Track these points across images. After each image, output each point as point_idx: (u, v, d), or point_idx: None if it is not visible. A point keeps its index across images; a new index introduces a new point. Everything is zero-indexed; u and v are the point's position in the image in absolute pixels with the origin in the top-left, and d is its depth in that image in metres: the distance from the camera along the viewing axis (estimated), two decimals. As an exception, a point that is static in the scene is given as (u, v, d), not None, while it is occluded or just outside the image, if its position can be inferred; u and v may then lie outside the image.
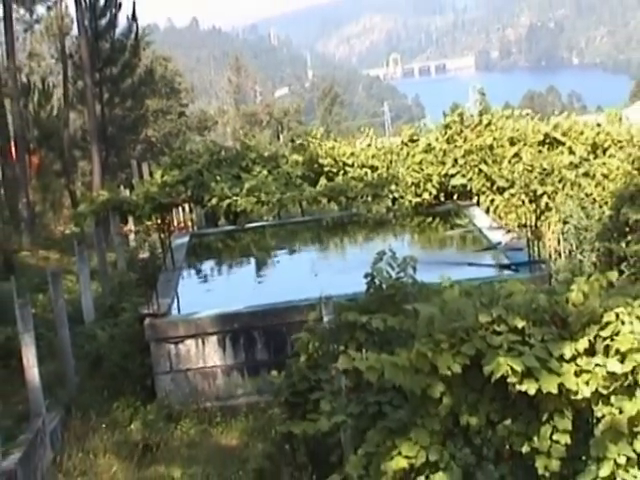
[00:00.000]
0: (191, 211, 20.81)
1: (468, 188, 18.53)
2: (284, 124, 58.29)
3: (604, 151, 18.63)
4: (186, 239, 17.99)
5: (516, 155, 18.69)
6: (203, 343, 12.13)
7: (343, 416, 7.72)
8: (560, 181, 17.27)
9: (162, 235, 17.43)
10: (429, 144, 19.77)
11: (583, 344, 6.96)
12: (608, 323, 6.99)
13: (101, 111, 36.46)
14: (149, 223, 19.45)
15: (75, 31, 37.75)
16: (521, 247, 14.16)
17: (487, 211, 17.71)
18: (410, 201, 18.24)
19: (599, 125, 19.55)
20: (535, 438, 6.84)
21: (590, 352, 6.95)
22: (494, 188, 18.24)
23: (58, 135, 35.97)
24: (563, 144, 19.03)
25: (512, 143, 19.11)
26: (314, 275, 14.89)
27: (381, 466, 7.01)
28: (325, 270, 15.29)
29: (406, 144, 20.58)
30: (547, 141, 19.22)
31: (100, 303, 14.50)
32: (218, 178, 19.72)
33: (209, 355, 12.14)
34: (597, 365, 6.84)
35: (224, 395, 12.02)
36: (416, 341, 7.22)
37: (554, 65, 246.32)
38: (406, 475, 7.03)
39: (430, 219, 18.05)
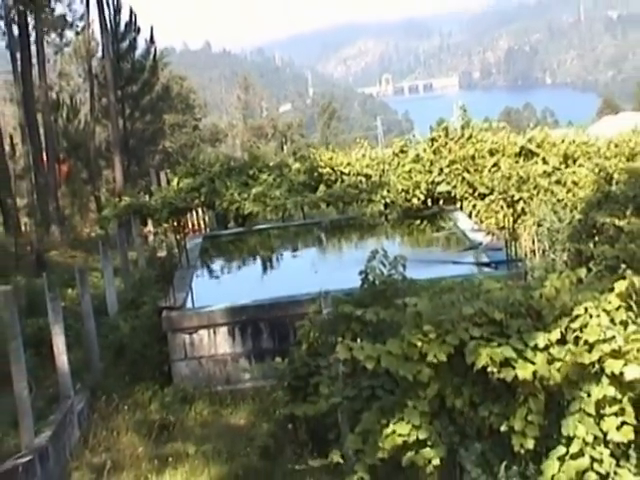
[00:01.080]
0: (204, 214, 20.82)
1: (452, 194, 18.56)
2: (287, 137, 58.26)
3: (574, 161, 18.66)
4: (199, 240, 18.01)
5: (495, 165, 18.73)
6: (214, 333, 12.14)
7: (340, 398, 7.73)
8: (535, 188, 17.27)
9: (178, 236, 17.45)
10: (417, 155, 19.80)
11: (555, 335, 6.97)
12: (578, 316, 7.00)
13: (123, 125, 36.55)
14: (166, 225, 19.47)
15: (100, 53, 37.85)
16: (500, 247, 14.18)
17: (469, 215, 17.72)
18: (400, 206, 18.25)
19: (573, 142, 19.57)
20: (512, 418, 6.85)
21: (561, 342, 6.96)
22: (476, 194, 18.27)
23: (85, 146, 36.05)
24: (537, 155, 19.06)
25: (492, 154, 19.14)
26: (314, 272, 14.89)
27: (378, 443, 7.03)
28: (324, 267, 15.29)
29: (397, 155, 20.59)
30: (523, 152, 19.26)
31: (122, 297, 14.50)
32: (228, 185, 19.73)
33: (220, 344, 12.15)
34: (567, 354, 6.86)
35: (233, 380, 12.02)
36: (405, 332, 7.24)
37: (529, 84, 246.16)
38: (397, 451, 7.06)
39: (418, 222, 18.05)
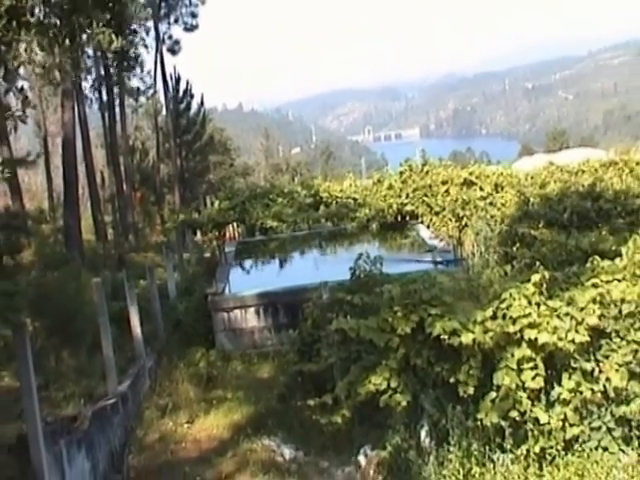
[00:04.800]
0: (237, 227, 20.83)
1: (415, 212, 18.53)
2: (297, 171, 58.01)
3: (502, 188, 18.64)
4: (234, 245, 18.01)
5: (446, 191, 18.71)
6: (245, 312, 12.14)
7: (335, 359, 7.74)
8: (474, 207, 17.26)
9: (219, 243, 17.44)
10: (390, 184, 19.80)
11: (489, 312, 7.00)
12: (505, 299, 7.04)
13: (180, 163, 36.54)
14: (210, 235, 19.49)
15: (164, 112, 37.88)
16: (449, 250, 14.19)
17: (427, 227, 17.72)
18: (378, 220, 18.25)
19: (502, 174, 19.60)
20: (458, 373, 6.87)
21: (493, 317, 6.99)
22: (432, 212, 18.24)
23: (153, 179, 36.02)
24: (476, 184, 19.04)
25: (443, 183, 19.12)
26: (316, 268, 14.88)
27: (358, 390, 7.05)
28: (324, 265, 15.28)
29: (375, 184, 20.61)
30: (466, 182, 19.21)
31: (179, 286, 14.47)
32: (254, 206, 19.78)
33: (249, 319, 12.15)
34: (497, 326, 6.87)
35: (259, 345, 12.02)
36: (381, 311, 7.26)
37: (470, 134, 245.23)
38: (374, 396, 7.07)
39: (391, 232, 18.03)
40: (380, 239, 17.91)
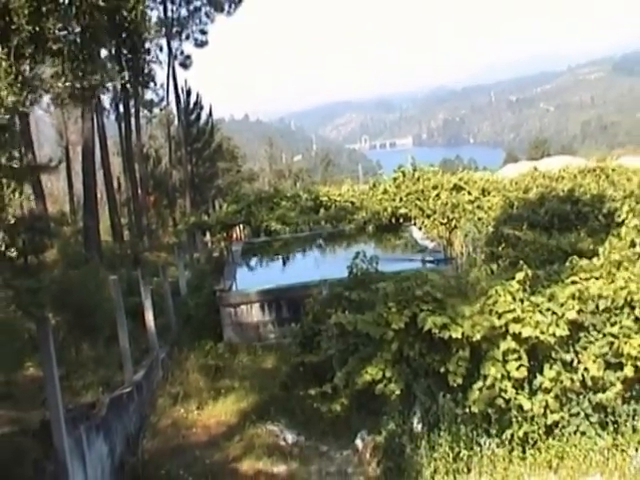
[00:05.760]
0: (244, 229, 20.81)
1: (408, 215, 18.51)
2: (299, 177, 57.98)
3: (489, 193, 18.64)
4: (240, 245, 17.99)
5: (437, 195, 18.69)
6: (251, 307, 12.14)
7: (334, 351, 7.74)
8: (463, 211, 17.26)
9: (226, 243, 17.42)
10: (385, 189, 19.78)
11: (476, 308, 7.00)
12: (491, 295, 7.04)
13: (191, 170, 36.52)
14: (219, 236, 19.48)
15: (176, 122, 37.90)
16: (440, 250, 14.18)
17: (420, 229, 17.71)
18: (374, 222, 18.24)
19: (488, 180, 19.61)
20: (448, 363, 6.87)
21: (480, 312, 6.99)
22: (424, 215, 18.21)
23: (165, 184, 36.04)
24: (464, 189, 19.02)
25: (434, 188, 19.09)
26: (317, 266, 14.86)
27: (355, 379, 7.05)
28: (323, 263, 15.27)
29: (371, 189, 20.59)
30: (455, 187, 19.19)
31: (190, 283, 14.48)
32: (259, 209, 19.76)
33: (254, 314, 12.14)
34: (484, 320, 6.88)
35: (264, 338, 12.00)
36: (377, 306, 7.26)
37: (459, 143, 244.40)
38: (370, 385, 7.07)
39: (386, 233, 18.02)
40: (376, 240, 17.88)
